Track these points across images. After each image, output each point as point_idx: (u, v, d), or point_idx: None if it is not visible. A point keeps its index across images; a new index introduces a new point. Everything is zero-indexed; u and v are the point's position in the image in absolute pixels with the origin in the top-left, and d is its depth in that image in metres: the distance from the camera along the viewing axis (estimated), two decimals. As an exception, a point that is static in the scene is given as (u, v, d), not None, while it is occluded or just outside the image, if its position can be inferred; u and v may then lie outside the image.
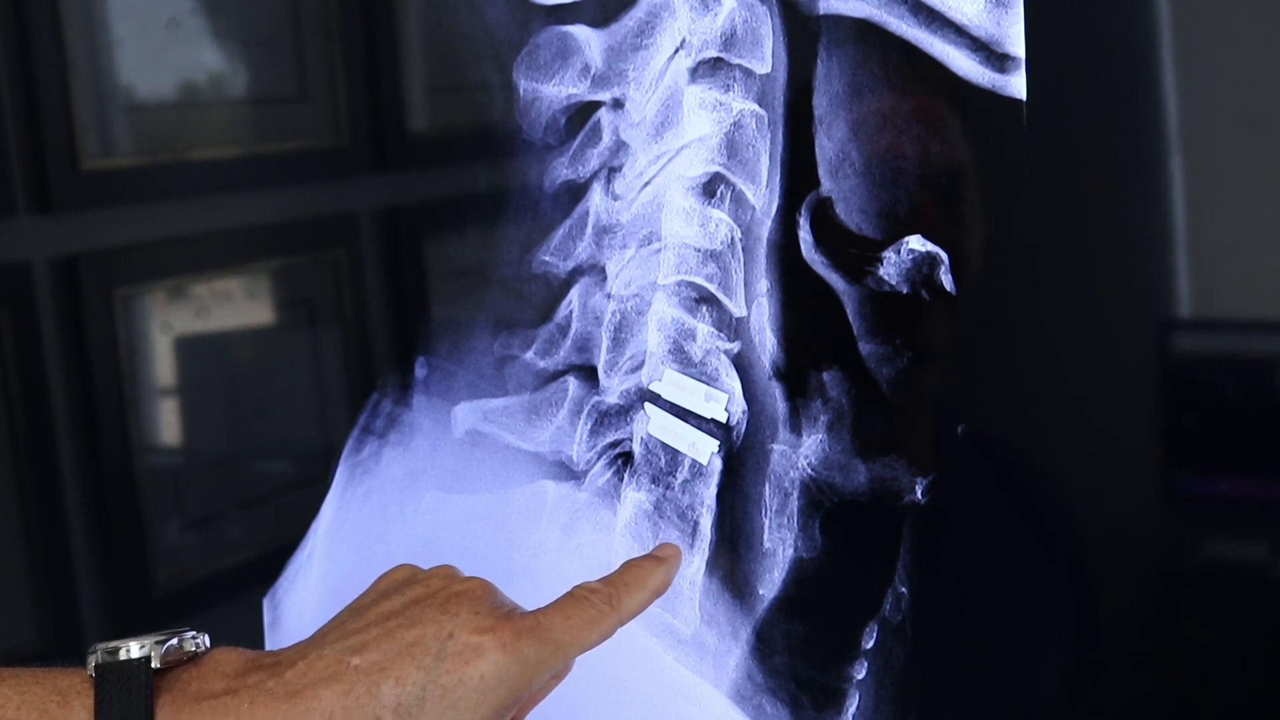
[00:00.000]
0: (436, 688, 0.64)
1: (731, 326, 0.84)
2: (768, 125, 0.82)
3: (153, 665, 0.65)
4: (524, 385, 0.94)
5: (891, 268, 0.78)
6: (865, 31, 0.77)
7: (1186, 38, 0.73)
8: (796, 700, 0.83)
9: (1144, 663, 0.77)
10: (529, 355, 0.94)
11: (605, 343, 0.90)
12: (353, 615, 0.69)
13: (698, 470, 0.86)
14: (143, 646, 0.65)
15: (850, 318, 0.80)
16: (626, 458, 0.89)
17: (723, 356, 0.85)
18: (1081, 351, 0.77)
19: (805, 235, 0.81)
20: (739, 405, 0.84)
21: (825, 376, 0.81)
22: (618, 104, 0.88)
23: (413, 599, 0.69)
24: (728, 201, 0.84)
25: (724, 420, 0.84)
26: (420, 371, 0.99)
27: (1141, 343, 0.76)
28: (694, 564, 0.87)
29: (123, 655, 0.65)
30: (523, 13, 0.91)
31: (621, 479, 0.89)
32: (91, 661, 0.65)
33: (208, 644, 0.68)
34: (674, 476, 0.87)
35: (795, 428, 0.83)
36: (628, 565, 0.75)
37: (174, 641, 0.66)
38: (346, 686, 0.64)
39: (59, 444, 1.18)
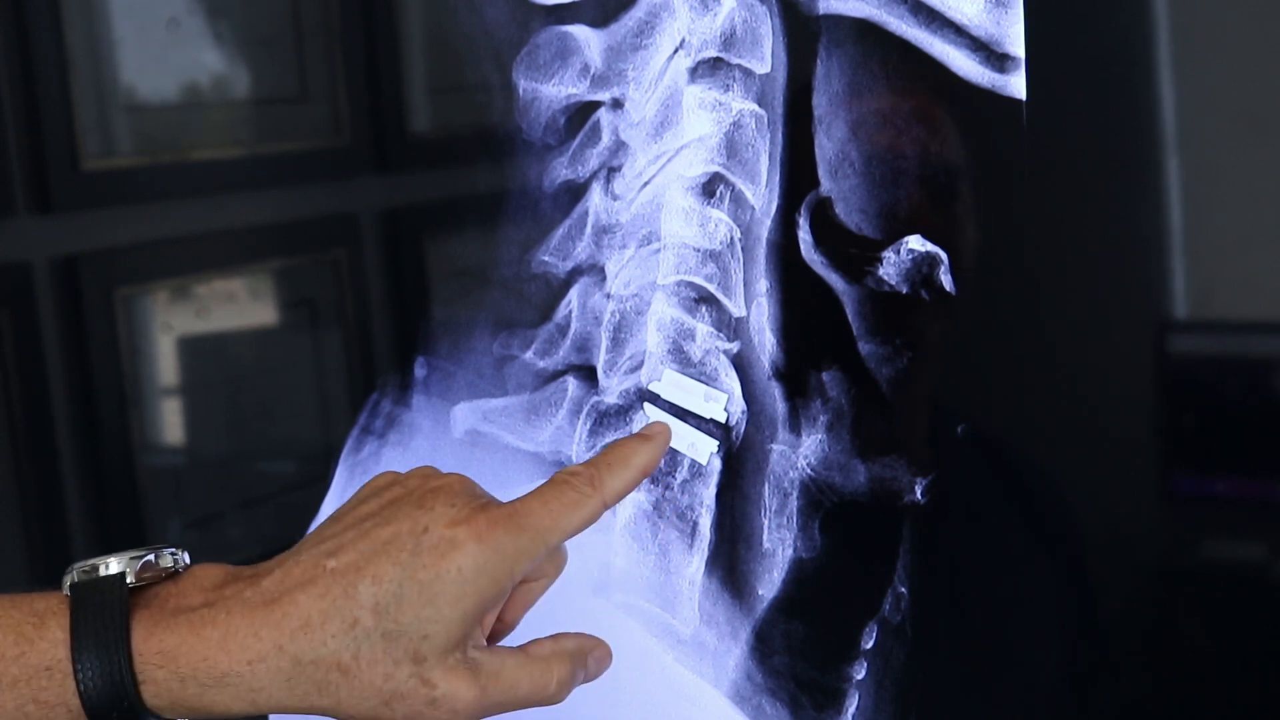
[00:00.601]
0: (413, 583, 0.63)
1: (731, 326, 0.84)
2: (767, 125, 0.82)
3: (129, 582, 0.64)
4: (523, 385, 0.94)
5: (891, 268, 0.78)
6: (865, 31, 0.77)
7: (1186, 38, 0.73)
8: (796, 700, 0.83)
9: (1143, 662, 0.77)
10: (528, 355, 0.94)
11: (604, 343, 0.90)
12: (331, 523, 0.68)
13: (697, 470, 0.86)
14: (119, 563, 0.65)
15: (850, 318, 0.80)
16: (626, 458, 0.89)
17: (722, 356, 0.85)
18: (1081, 352, 0.76)
19: (805, 235, 0.81)
20: (738, 405, 0.84)
21: (825, 376, 0.81)
22: (617, 104, 0.88)
23: (390, 499, 0.68)
24: (727, 201, 0.84)
25: (723, 420, 0.84)
26: (420, 371, 0.99)
27: (1140, 343, 0.76)
28: (693, 564, 0.87)
29: (101, 572, 0.64)
30: (523, 13, 0.91)
31: (621, 479, 0.89)
32: (67, 581, 0.65)
33: (188, 561, 0.67)
34: (673, 476, 0.87)
35: (795, 428, 0.83)
36: (611, 445, 0.73)
37: (150, 557, 0.65)
38: (323, 589, 0.63)
39: (59, 444, 1.18)
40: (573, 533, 0.68)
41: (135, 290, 1.22)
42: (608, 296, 0.90)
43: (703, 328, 0.85)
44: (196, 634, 0.63)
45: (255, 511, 1.29)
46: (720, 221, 0.84)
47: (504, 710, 0.66)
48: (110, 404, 1.20)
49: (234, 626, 0.63)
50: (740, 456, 0.84)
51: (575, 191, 0.90)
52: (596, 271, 0.90)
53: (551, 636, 0.69)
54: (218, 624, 0.63)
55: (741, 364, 0.84)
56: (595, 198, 0.89)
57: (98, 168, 1.19)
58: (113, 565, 0.65)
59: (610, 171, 0.89)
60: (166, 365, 1.26)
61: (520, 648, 0.68)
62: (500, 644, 0.69)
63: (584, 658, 0.70)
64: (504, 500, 0.68)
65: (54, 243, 1.17)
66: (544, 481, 0.69)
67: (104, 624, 0.63)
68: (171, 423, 1.28)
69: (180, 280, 1.26)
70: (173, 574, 0.66)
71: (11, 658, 0.62)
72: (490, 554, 0.64)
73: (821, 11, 0.79)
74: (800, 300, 0.82)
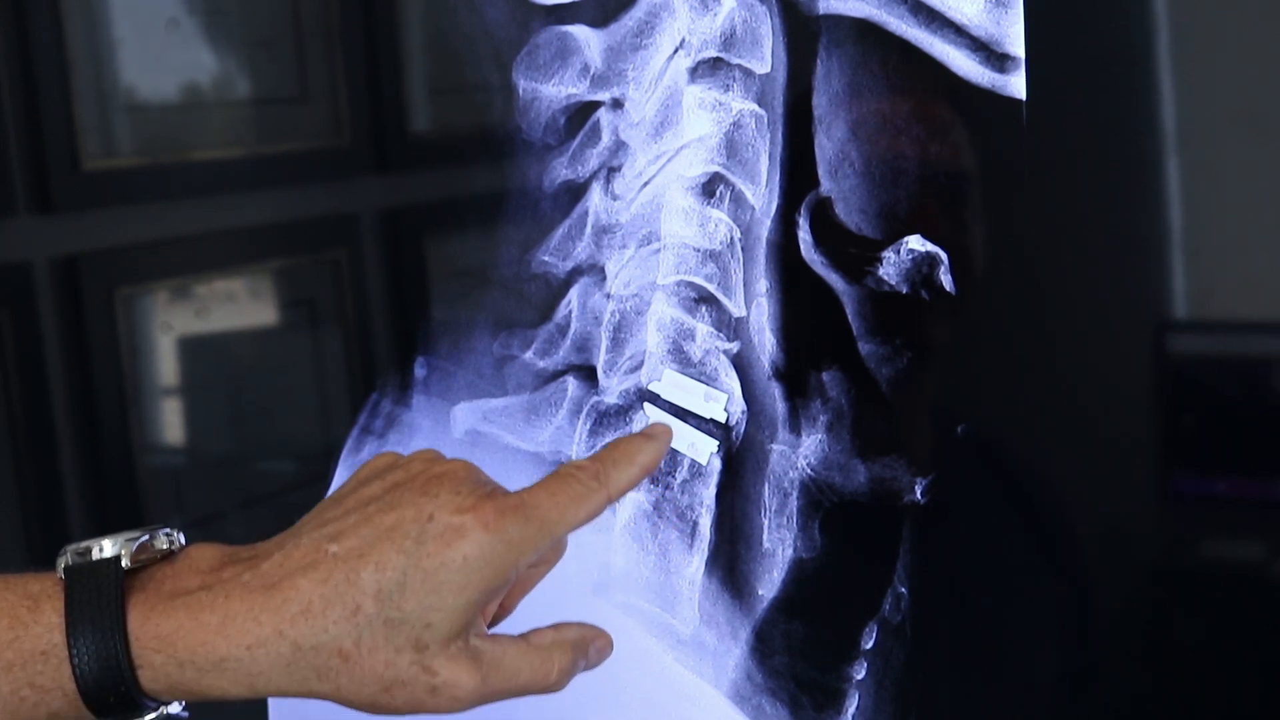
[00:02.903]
0: (418, 571, 0.62)
1: (731, 326, 0.84)
2: (767, 125, 0.82)
3: (124, 564, 0.63)
4: (523, 385, 0.94)
5: (891, 268, 0.78)
6: (865, 31, 0.77)
7: (1186, 38, 0.73)
8: (796, 700, 0.83)
9: (1143, 662, 0.77)
10: (528, 355, 0.94)
11: (604, 343, 0.90)
12: (331, 504, 0.67)
13: (697, 470, 0.86)
14: (114, 545, 0.64)
15: (850, 318, 0.80)
16: (626, 458, 0.89)
17: (722, 356, 0.85)
18: (1080, 352, 0.76)
19: (805, 235, 0.81)
20: (738, 405, 0.84)
21: (825, 376, 0.81)
22: (617, 104, 0.88)
23: (392, 484, 0.67)
24: (727, 201, 0.84)
25: (723, 420, 0.84)
26: (420, 371, 1.00)
27: (1140, 343, 0.76)
28: (693, 564, 0.87)
29: (94, 555, 0.64)
30: (523, 13, 0.91)
31: (621, 479, 0.89)
32: (61, 563, 0.64)
33: (183, 541, 0.66)
34: (673, 476, 0.87)
35: (795, 428, 0.83)
36: (615, 442, 0.72)
37: (145, 538, 0.64)
38: (324, 574, 0.62)
39: (60, 444, 1.18)
40: (577, 525, 0.67)
41: (135, 290, 1.22)
42: (608, 296, 0.90)
43: (703, 328, 0.85)
44: (194, 618, 0.62)
45: (255, 511, 1.29)
46: (720, 221, 0.84)
47: (504, 698, 0.66)
48: (110, 404, 1.20)
49: (233, 611, 0.62)
50: (740, 456, 0.84)
51: (575, 191, 0.90)
52: (596, 271, 0.90)
53: (553, 626, 0.69)
54: (216, 608, 0.62)
55: (741, 364, 0.84)
56: (595, 198, 0.89)
57: (98, 168, 1.19)
58: (107, 548, 0.64)
59: (610, 171, 0.89)
60: (166, 365, 1.26)
61: (521, 636, 0.67)
62: (499, 631, 0.68)
63: (585, 647, 0.69)
64: (507, 489, 0.67)
65: (54, 243, 1.17)
66: (549, 474, 0.69)
67: (99, 608, 0.62)
68: (171, 423, 1.28)
69: (180, 280, 1.26)
70: (168, 555, 0.65)
71: (6, 642, 0.62)
72: (497, 543, 0.63)
73: (821, 11, 0.79)
74: (800, 300, 0.82)
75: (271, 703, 1.05)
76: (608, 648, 0.70)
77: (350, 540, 0.64)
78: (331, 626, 0.62)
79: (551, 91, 0.90)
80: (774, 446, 0.83)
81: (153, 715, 0.64)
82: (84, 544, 0.64)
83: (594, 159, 0.89)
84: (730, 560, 0.85)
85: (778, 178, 0.82)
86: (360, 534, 0.64)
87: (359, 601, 0.62)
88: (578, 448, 0.91)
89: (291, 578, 0.63)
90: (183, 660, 0.62)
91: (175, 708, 0.65)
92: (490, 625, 0.69)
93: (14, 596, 0.63)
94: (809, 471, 0.82)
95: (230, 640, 0.62)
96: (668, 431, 0.74)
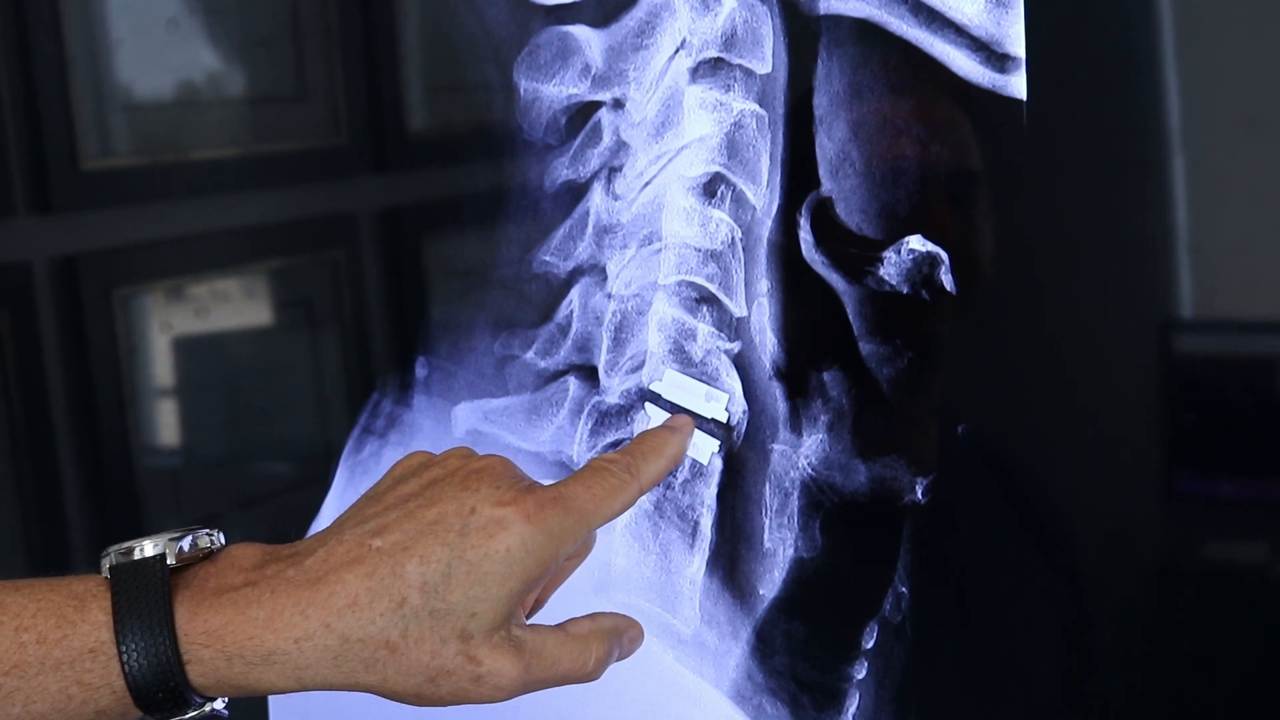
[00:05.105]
0: (462, 563, 0.63)
1: (732, 326, 0.84)
2: (768, 125, 0.82)
3: (168, 563, 0.64)
4: (524, 385, 0.94)
5: (892, 268, 0.78)
6: (865, 31, 0.77)
7: (1187, 37, 0.73)
8: (796, 700, 0.83)
9: (1143, 663, 0.77)
10: (529, 355, 0.94)
11: (606, 342, 0.90)
12: (370, 502, 0.69)
13: (698, 470, 0.86)
14: (156, 545, 0.65)
15: (850, 318, 0.80)
16: (627, 458, 0.89)
17: (723, 356, 0.85)
18: (1082, 352, 0.76)
19: (806, 235, 0.81)
20: (739, 405, 0.84)
21: (825, 376, 0.81)
22: (618, 104, 0.88)
23: (430, 480, 0.68)
24: (728, 201, 0.84)
25: (724, 420, 0.84)
26: (421, 371, 1.00)
27: (1143, 343, 0.76)
28: (694, 564, 0.87)
29: (137, 555, 0.64)
30: (523, 13, 0.91)
31: (622, 479, 0.89)
32: (105, 563, 0.65)
33: (222, 541, 0.67)
34: (674, 476, 0.87)
35: (796, 428, 0.83)
36: (642, 435, 0.75)
37: (188, 539, 0.65)
38: (370, 568, 0.63)
39: (59, 444, 1.18)
40: (613, 516, 0.69)
41: (134, 290, 1.22)
42: (609, 296, 0.90)
43: (704, 327, 0.85)
44: (242, 613, 0.63)
45: (254, 512, 1.29)
46: (721, 221, 0.84)
47: (543, 687, 0.67)
48: (109, 404, 1.20)
49: (280, 605, 0.63)
50: (741, 456, 0.85)
51: (576, 191, 0.90)
52: (598, 271, 0.90)
53: (589, 616, 0.71)
54: (263, 603, 0.63)
55: (742, 364, 0.84)
56: (596, 198, 0.89)
57: (97, 168, 1.19)
58: (148, 548, 0.65)
59: (611, 171, 0.89)
60: (165, 365, 1.26)
61: (559, 626, 0.69)
62: (535, 621, 0.69)
63: (619, 637, 0.71)
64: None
65: (54, 243, 1.17)
66: (582, 467, 0.71)
67: (147, 605, 0.63)
68: (170, 423, 1.28)
69: (179, 280, 1.26)
70: (208, 554, 0.66)
71: (54, 640, 0.62)
72: (538, 535, 0.65)
73: (822, 11, 0.79)
74: (801, 300, 0.82)
75: (272, 705, 1.05)
76: (639, 638, 0.73)
77: (394, 535, 0.65)
78: (379, 619, 0.63)
79: (552, 91, 0.90)
80: (775, 446, 0.83)
81: (195, 712, 0.64)
82: (126, 545, 0.65)
83: (595, 159, 0.89)
84: (731, 560, 0.85)
85: (779, 178, 0.82)
86: (403, 528, 0.65)
87: (405, 594, 0.63)
88: (579, 448, 0.91)
89: (337, 572, 0.64)
90: (231, 654, 0.63)
91: (218, 704, 0.66)
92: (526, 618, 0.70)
93: (58, 597, 0.64)
94: (810, 471, 0.82)
95: (278, 634, 0.63)
96: (690, 423, 0.77)
